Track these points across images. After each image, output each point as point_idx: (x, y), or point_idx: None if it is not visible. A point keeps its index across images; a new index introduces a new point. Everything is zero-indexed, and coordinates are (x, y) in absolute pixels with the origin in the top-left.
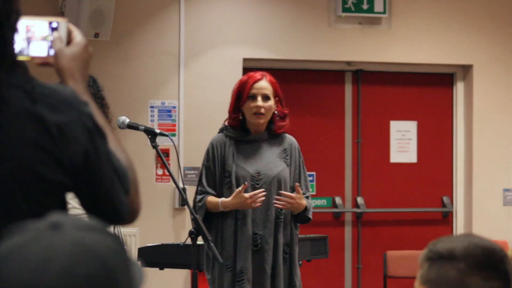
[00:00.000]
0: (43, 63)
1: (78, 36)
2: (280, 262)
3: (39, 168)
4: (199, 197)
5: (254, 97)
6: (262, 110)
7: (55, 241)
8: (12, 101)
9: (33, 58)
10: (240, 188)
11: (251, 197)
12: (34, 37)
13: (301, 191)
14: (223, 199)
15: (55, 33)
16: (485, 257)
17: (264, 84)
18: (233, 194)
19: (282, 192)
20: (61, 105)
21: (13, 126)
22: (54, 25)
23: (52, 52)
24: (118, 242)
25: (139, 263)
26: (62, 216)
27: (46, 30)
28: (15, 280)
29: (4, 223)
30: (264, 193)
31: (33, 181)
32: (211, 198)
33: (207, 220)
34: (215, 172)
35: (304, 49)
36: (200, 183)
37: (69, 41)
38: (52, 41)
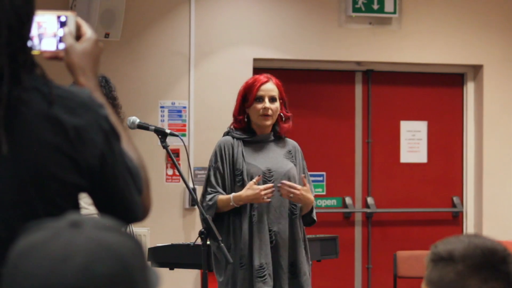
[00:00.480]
0: (52, 57)
1: (88, 31)
2: (301, 258)
3: (56, 171)
4: (209, 196)
5: (261, 99)
6: (269, 112)
7: (75, 239)
8: (31, 103)
9: (42, 52)
10: (254, 180)
11: (265, 189)
12: (46, 33)
13: (307, 184)
14: (234, 193)
15: (65, 28)
16: (484, 258)
17: (271, 86)
18: (246, 187)
19: (282, 181)
20: (79, 107)
21: (32, 128)
22: (63, 19)
23: (61, 46)
24: (137, 244)
25: (153, 267)
26: (81, 216)
27: (55, 25)
28: (34, 276)
29: (20, 224)
30: (273, 189)
31: (50, 183)
32: (222, 196)
33: (218, 219)
34: (224, 173)
35: (314, 49)
36: (209, 183)
37: (78, 35)
38: (62, 36)
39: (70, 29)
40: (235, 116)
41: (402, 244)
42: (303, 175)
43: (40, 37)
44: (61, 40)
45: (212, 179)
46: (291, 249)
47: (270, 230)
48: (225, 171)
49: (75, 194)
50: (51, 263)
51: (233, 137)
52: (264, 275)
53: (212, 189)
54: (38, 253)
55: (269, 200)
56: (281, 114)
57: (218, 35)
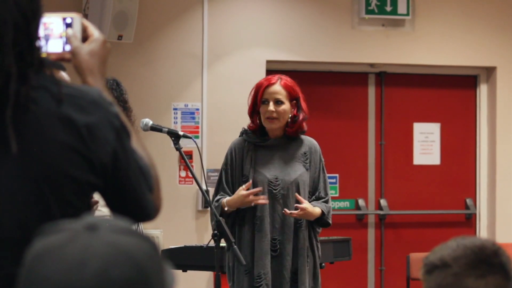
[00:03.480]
0: (59, 58)
1: (95, 32)
2: (302, 268)
3: (70, 169)
4: (218, 197)
5: (266, 102)
6: (274, 115)
7: (91, 243)
8: (40, 102)
9: (48, 54)
10: (243, 186)
11: (249, 195)
12: (52, 34)
13: (303, 200)
14: (227, 198)
15: (69, 30)
16: (476, 255)
17: (277, 89)
18: (236, 192)
19: (296, 205)
20: (89, 105)
21: (43, 127)
22: (68, 21)
23: (67, 48)
24: (153, 246)
25: (170, 267)
26: (98, 218)
27: (61, 27)
28: (50, 280)
29: (36, 225)
30: (260, 190)
31: (64, 182)
32: (224, 200)
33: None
34: (233, 177)
35: (327, 51)
36: (220, 185)
37: (85, 37)
38: (67, 38)
39: (75, 31)
40: (249, 116)
41: (415, 246)
42: (296, 193)
43: (47, 39)
44: (67, 41)
45: (223, 181)
46: (294, 258)
47: (274, 239)
48: (234, 174)
49: (89, 193)
50: (67, 268)
51: (245, 140)
52: (260, 285)
53: (223, 191)
54: (54, 257)
55: (263, 202)
56: (290, 115)
57: (231, 37)
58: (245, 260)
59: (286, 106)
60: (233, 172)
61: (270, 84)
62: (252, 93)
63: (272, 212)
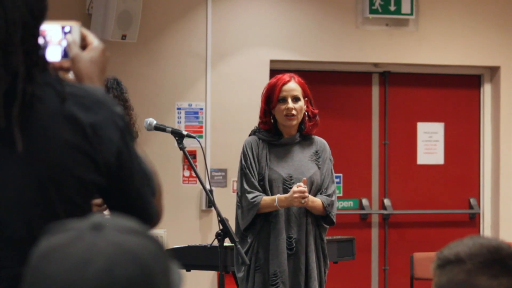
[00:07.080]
0: (58, 67)
1: (95, 41)
2: (312, 263)
3: (74, 169)
4: (250, 195)
5: (284, 100)
6: (294, 112)
7: (96, 242)
8: (45, 100)
9: None
10: (300, 183)
11: (298, 192)
12: (51, 41)
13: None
14: (279, 195)
15: (69, 37)
16: (491, 255)
17: (293, 86)
18: (290, 192)
19: (299, 184)
20: (94, 105)
21: (48, 126)
22: (67, 29)
23: (67, 55)
24: (159, 245)
25: (177, 267)
26: (104, 218)
27: (59, 35)
28: (54, 279)
29: (40, 224)
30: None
31: (68, 181)
32: (266, 197)
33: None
34: (255, 172)
35: (331, 51)
36: (248, 182)
37: (84, 45)
38: (66, 46)
39: (74, 39)
40: (261, 118)
41: (419, 246)
42: (304, 178)
43: (45, 46)
44: (66, 49)
45: (250, 177)
46: (306, 254)
47: (290, 238)
48: (255, 170)
49: (93, 193)
50: (71, 267)
51: (259, 138)
52: (277, 283)
53: (253, 189)
54: (59, 256)
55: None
56: (306, 112)
57: (235, 37)
58: (259, 255)
59: (302, 103)
60: (253, 168)
61: (286, 82)
62: (266, 93)
63: (287, 210)
